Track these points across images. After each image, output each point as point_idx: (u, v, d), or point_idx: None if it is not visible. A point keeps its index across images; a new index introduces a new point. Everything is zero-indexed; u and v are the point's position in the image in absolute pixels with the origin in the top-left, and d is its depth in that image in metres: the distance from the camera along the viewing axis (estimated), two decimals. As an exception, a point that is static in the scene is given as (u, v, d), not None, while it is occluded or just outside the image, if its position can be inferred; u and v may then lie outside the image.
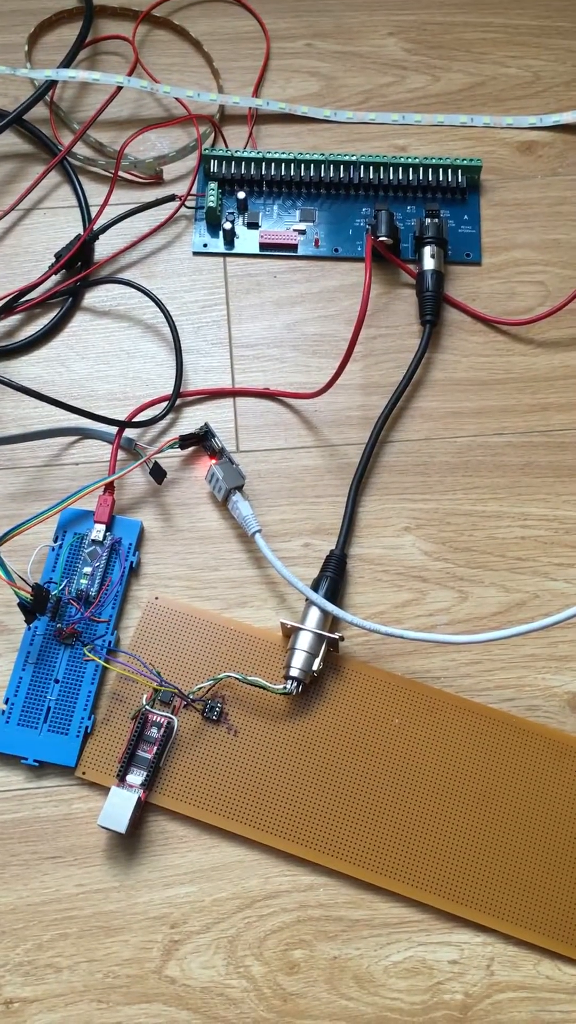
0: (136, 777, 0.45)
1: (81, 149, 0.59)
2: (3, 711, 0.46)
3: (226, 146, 0.59)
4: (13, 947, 0.43)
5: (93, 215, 0.56)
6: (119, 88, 0.58)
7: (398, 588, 0.49)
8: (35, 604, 0.46)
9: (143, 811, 0.45)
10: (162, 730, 0.45)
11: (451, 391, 0.54)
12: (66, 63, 0.60)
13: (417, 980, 0.43)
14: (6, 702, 0.46)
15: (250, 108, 0.60)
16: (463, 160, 0.57)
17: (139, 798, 0.44)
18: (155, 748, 0.45)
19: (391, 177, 0.57)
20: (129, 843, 0.45)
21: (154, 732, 0.45)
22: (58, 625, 0.47)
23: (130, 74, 0.61)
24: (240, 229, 0.57)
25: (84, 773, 0.45)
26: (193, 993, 0.42)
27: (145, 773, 0.45)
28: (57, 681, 0.47)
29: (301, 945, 0.43)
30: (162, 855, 0.45)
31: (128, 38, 0.62)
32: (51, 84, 0.59)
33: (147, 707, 0.46)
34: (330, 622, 0.47)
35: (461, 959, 0.43)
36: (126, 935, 0.43)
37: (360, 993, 0.43)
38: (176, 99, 0.60)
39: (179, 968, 0.43)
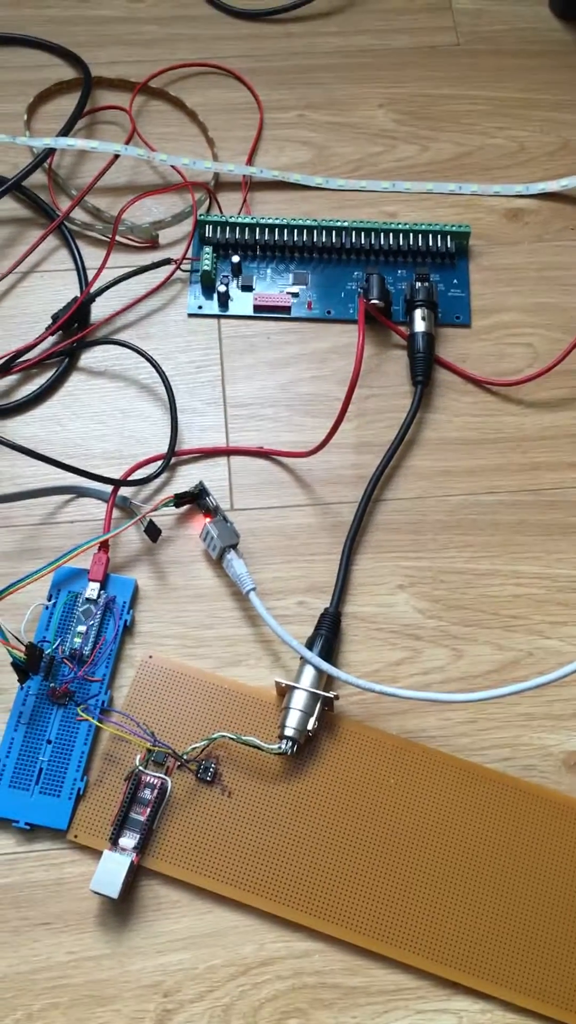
0: (129, 840, 0.44)
1: (79, 214, 0.60)
2: (-5, 772, 0.46)
3: (221, 212, 0.61)
4: (3, 1017, 0.42)
5: (90, 278, 0.57)
6: (116, 156, 0.60)
7: (392, 646, 0.50)
8: (28, 664, 0.45)
9: (136, 875, 0.44)
10: (155, 792, 0.45)
11: (443, 450, 0.54)
12: (65, 132, 0.61)
13: (415, 1050, 0.42)
14: (-2, 763, 0.46)
15: (244, 175, 0.62)
16: (452, 226, 0.59)
17: (132, 862, 0.43)
18: (148, 810, 0.45)
19: (382, 242, 0.59)
20: (122, 908, 0.44)
21: (147, 794, 0.45)
22: (51, 685, 0.47)
23: (127, 143, 0.62)
24: (234, 292, 0.58)
25: (76, 836, 0.45)
26: (186, 1065, 0.41)
27: (138, 836, 0.44)
28: (50, 742, 0.46)
29: (297, 1014, 0.42)
30: (155, 921, 0.44)
31: (125, 108, 0.63)
32: (50, 152, 0.60)
33: (140, 768, 0.45)
34: (325, 681, 0.47)
35: (460, 1028, 0.42)
36: (118, 1004, 0.42)
37: (357, 1064, 0.42)
38: (172, 167, 0.62)
39: (172, 1039, 0.42)
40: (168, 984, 0.43)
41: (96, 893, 0.43)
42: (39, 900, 0.44)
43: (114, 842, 0.44)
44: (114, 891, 0.43)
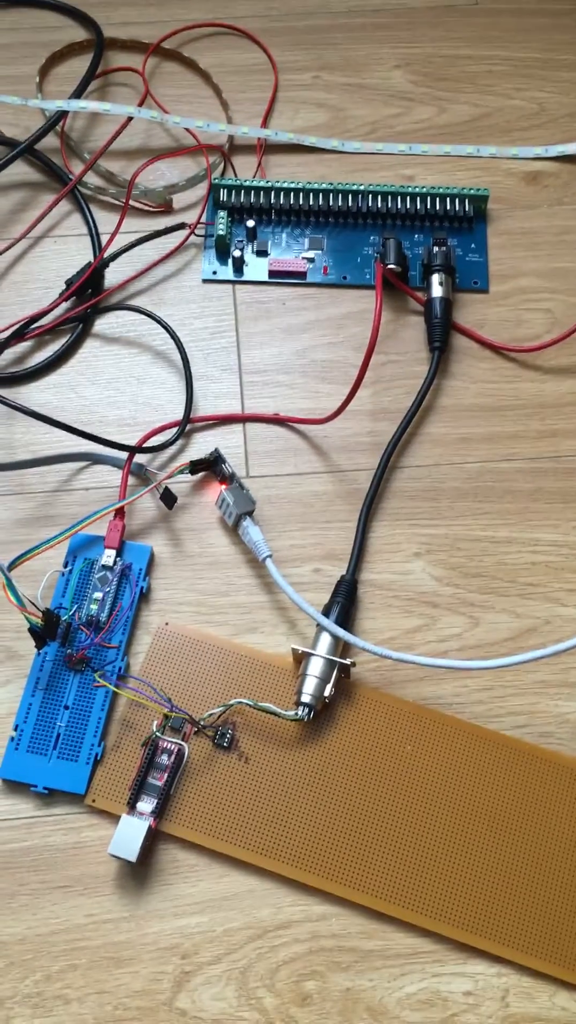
0: (147, 805, 0.44)
1: (91, 178, 0.60)
2: (12, 738, 0.46)
3: (235, 175, 0.60)
4: (22, 978, 0.43)
5: (103, 243, 0.57)
6: (129, 119, 0.59)
7: (409, 614, 0.49)
8: (45, 629, 0.45)
9: (153, 839, 0.45)
10: (173, 757, 0.45)
11: (460, 417, 0.54)
12: (77, 94, 0.60)
13: (431, 1012, 0.42)
14: (15, 729, 0.46)
15: (259, 138, 0.61)
16: (470, 190, 0.58)
17: (149, 826, 0.43)
18: (166, 775, 0.45)
19: (399, 206, 0.58)
20: (139, 872, 0.44)
21: (164, 759, 0.45)
22: (68, 651, 0.47)
23: (140, 105, 0.61)
24: (249, 257, 0.58)
25: (94, 801, 0.45)
26: (204, 1026, 0.42)
27: (156, 801, 0.44)
28: (67, 707, 0.46)
29: (314, 976, 0.43)
30: (173, 884, 0.44)
31: (138, 70, 0.63)
32: (62, 114, 0.59)
33: (157, 734, 0.45)
34: (341, 648, 0.47)
35: (476, 990, 0.43)
36: (136, 966, 0.43)
37: (374, 1025, 0.42)
38: (186, 129, 0.61)
39: (190, 1000, 0.42)
40: (186, 946, 0.43)
41: (114, 857, 0.43)
42: (58, 863, 0.44)
43: (132, 806, 0.44)
44: (132, 855, 0.43)
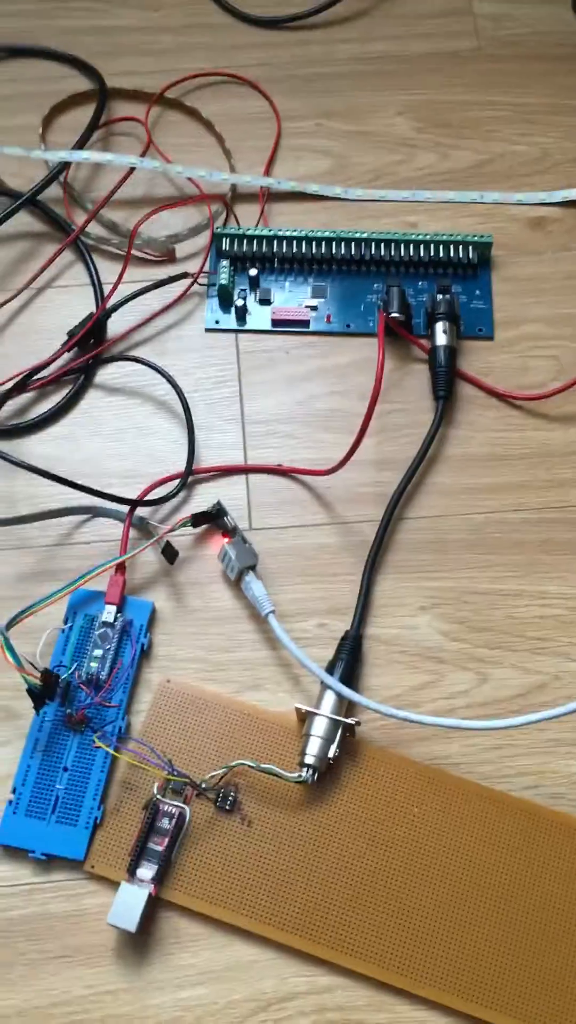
0: (147, 871, 0.43)
1: (94, 228, 0.60)
2: (11, 801, 0.45)
3: (238, 224, 0.60)
4: (18, 1054, 0.41)
5: (106, 293, 0.56)
6: (132, 169, 0.59)
7: (415, 670, 0.48)
8: (44, 690, 0.45)
9: (154, 906, 0.43)
10: (174, 821, 0.44)
11: (466, 467, 0.53)
12: (80, 144, 0.61)
13: None
14: (13, 792, 0.45)
15: (261, 187, 0.61)
16: (474, 236, 0.57)
17: (150, 894, 0.42)
18: (166, 840, 0.44)
19: (402, 253, 0.57)
20: (140, 941, 0.43)
21: (165, 823, 0.44)
22: (68, 711, 0.46)
23: (143, 155, 0.61)
24: (252, 306, 0.57)
25: (93, 867, 0.44)
26: None
27: (156, 866, 0.43)
28: (66, 769, 0.45)
29: (319, 1051, 0.41)
30: (174, 954, 0.43)
31: (141, 120, 0.63)
32: (65, 165, 0.59)
33: (158, 796, 0.44)
34: (346, 706, 0.46)
35: (488, 1067, 0.41)
36: (136, 1040, 0.42)
37: None
38: (188, 179, 0.61)
39: (192, 1077, 0.41)
40: (188, 1019, 0.42)
41: (113, 926, 0.42)
42: (56, 932, 0.43)
43: (132, 873, 0.43)
44: (132, 924, 0.42)
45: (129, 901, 0.42)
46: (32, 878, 0.44)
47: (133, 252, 0.58)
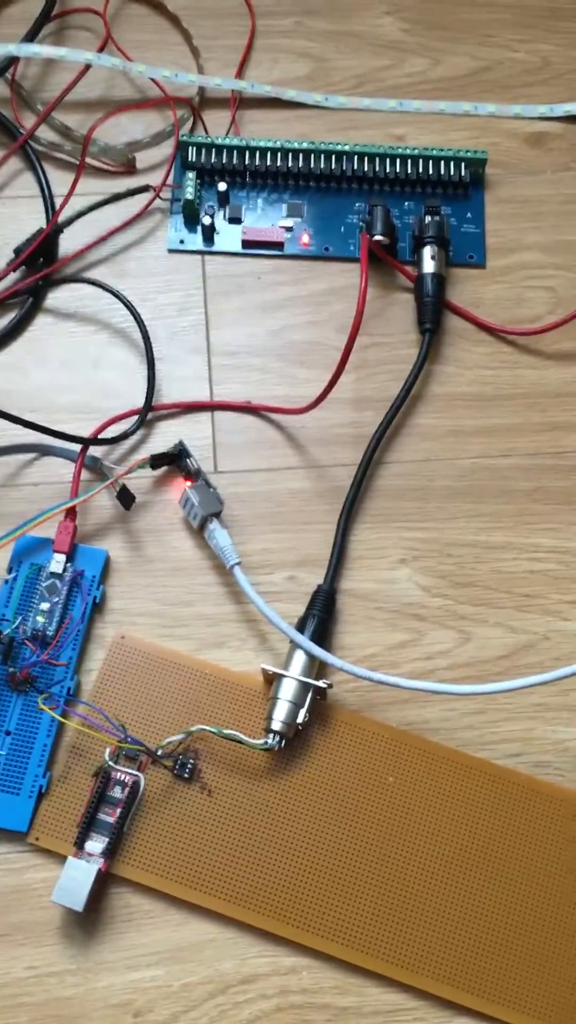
0: (96, 844, 0.40)
1: (45, 133, 0.54)
2: (-53, 767, 0.41)
3: (206, 132, 0.54)
4: (-47, 1041, 0.38)
5: (57, 207, 0.51)
6: (88, 66, 0.53)
7: (393, 628, 0.45)
8: (-17, 647, 0.40)
9: (104, 882, 0.40)
10: (126, 790, 0.40)
11: (452, 407, 0.49)
12: (29, 37, 0.54)
13: (412, 1077, 0.38)
14: (-50, 757, 0.41)
15: (233, 91, 0.55)
16: (467, 152, 0.52)
17: (99, 869, 0.39)
18: (118, 811, 0.40)
19: (387, 169, 0.52)
20: (87, 919, 0.40)
21: (118, 792, 0.40)
22: (11, 669, 0.42)
23: (100, 51, 0.55)
24: (221, 224, 0.52)
25: (38, 839, 0.40)
26: None
27: (107, 839, 0.40)
28: (8, 733, 0.41)
29: (282, 1037, 0.38)
30: (125, 933, 0.40)
31: (99, 11, 0.56)
32: (12, 60, 0.53)
33: (110, 763, 0.40)
34: (317, 667, 0.42)
35: (462, 1053, 0.38)
36: (84, 1025, 0.38)
37: None
38: (151, 79, 0.54)
39: (143, 1064, 0.38)
40: (140, 1003, 0.39)
41: (59, 905, 0.38)
42: (-4, 909, 0.40)
43: (79, 846, 0.39)
44: (78, 903, 0.38)
45: (76, 877, 0.39)
46: (-30, 851, 0.40)
47: (88, 161, 0.52)
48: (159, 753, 0.41)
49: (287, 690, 0.41)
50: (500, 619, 0.45)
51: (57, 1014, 0.38)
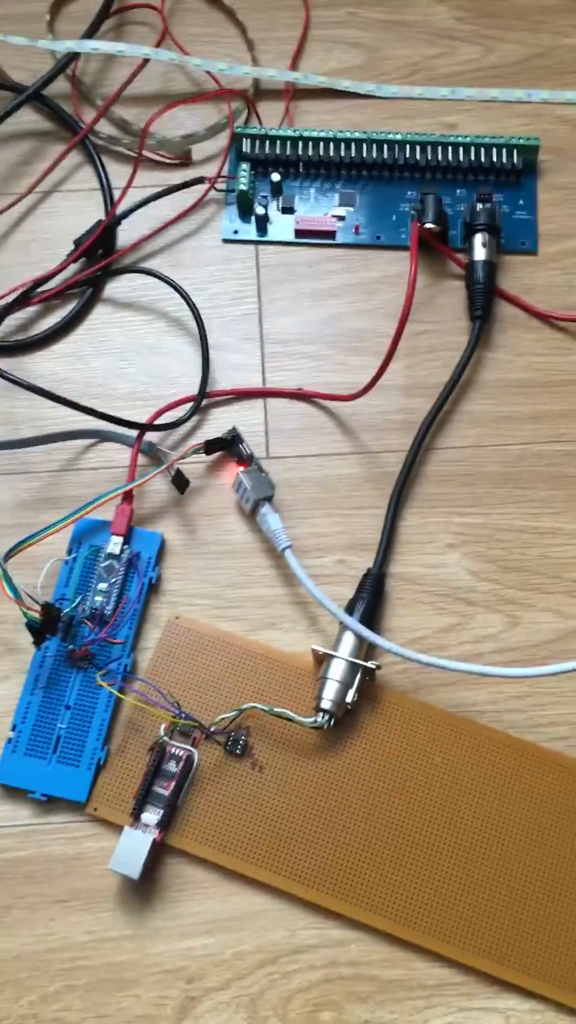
0: (152, 815, 0.41)
1: (104, 127, 0.55)
2: (10, 739, 0.43)
3: (260, 124, 0.55)
4: (16, 999, 0.40)
5: (116, 198, 0.52)
6: (146, 60, 0.54)
7: (441, 611, 0.45)
8: (44, 625, 0.42)
9: (159, 852, 0.41)
10: (181, 764, 0.42)
11: (503, 393, 0.49)
12: (89, 34, 0.55)
13: (458, 1050, 0.39)
14: (13, 729, 0.43)
15: (287, 82, 0.55)
16: (519, 139, 0.52)
17: (154, 840, 0.40)
18: (173, 784, 0.41)
19: (440, 158, 0.52)
20: (143, 887, 0.41)
21: (172, 766, 0.42)
22: (70, 647, 0.44)
23: (158, 45, 0.56)
24: (274, 214, 0.53)
25: (96, 810, 0.42)
26: (210, 1057, 0.39)
27: (162, 811, 0.41)
28: (68, 708, 0.43)
29: (330, 1006, 0.39)
30: (179, 902, 0.41)
31: (156, 6, 0.57)
32: (73, 56, 0.54)
33: (165, 739, 0.42)
34: (366, 649, 0.43)
35: (507, 1028, 0.39)
36: (138, 989, 0.40)
37: (394, 1062, 0.39)
38: (207, 72, 0.55)
39: (196, 1028, 0.39)
40: (192, 970, 0.40)
41: (115, 873, 0.40)
42: (56, 876, 0.41)
43: (136, 817, 0.41)
44: (134, 871, 0.40)
45: (132, 846, 0.40)
46: (32, 819, 0.42)
47: (146, 154, 0.53)
48: (212, 729, 0.42)
49: (336, 670, 0.42)
50: (548, 604, 0.45)
51: (114, 977, 0.40)
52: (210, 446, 0.47)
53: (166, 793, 0.41)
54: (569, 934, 0.40)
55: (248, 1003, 0.39)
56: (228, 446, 0.47)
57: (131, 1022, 0.39)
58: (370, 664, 0.42)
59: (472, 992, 0.40)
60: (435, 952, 0.40)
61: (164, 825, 0.41)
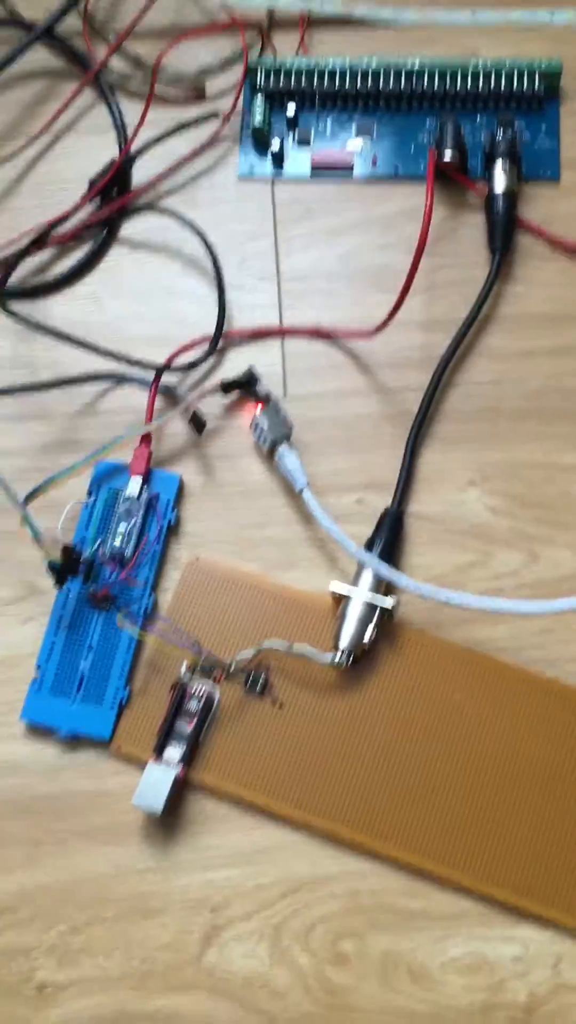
0: (174, 752, 0.42)
1: (118, 64, 0.54)
2: (35, 679, 0.43)
3: (275, 55, 0.53)
4: (46, 929, 0.41)
5: (130, 137, 0.51)
6: (157, -7, 0.53)
7: (461, 548, 0.45)
8: (65, 566, 0.42)
9: (182, 788, 0.42)
10: (202, 702, 0.42)
11: (524, 328, 0.48)
12: (99, -33, 0.54)
13: (476, 977, 0.39)
14: (38, 668, 0.43)
15: (301, 11, 0.54)
16: (541, 62, 0.50)
17: (177, 775, 0.41)
18: (195, 721, 0.42)
19: (459, 86, 0.51)
20: (167, 822, 0.42)
21: (193, 705, 0.42)
22: (91, 588, 0.44)
23: (169, -23, 0.55)
24: (290, 149, 0.52)
25: (120, 747, 0.42)
26: (234, 983, 0.40)
27: (184, 747, 0.41)
28: (91, 648, 0.44)
29: (351, 936, 0.40)
30: (201, 835, 0.42)
31: None
32: (83, -9, 0.53)
33: (186, 678, 0.42)
34: (384, 587, 0.43)
35: (525, 956, 0.39)
36: (165, 918, 0.41)
37: (414, 989, 0.39)
38: (220, 3, 0.54)
39: (220, 956, 0.40)
40: (216, 899, 0.41)
41: (139, 807, 0.41)
42: (82, 811, 0.42)
43: (159, 754, 0.41)
44: (157, 806, 0.40)
45: (155, 782, 0.41)
46: (58, 757, 0.43)
47: (159, 91, 0.52)
48: (232, 668, 0.42)
49: (355, 609, 0.42)
50: (569, 540, 0.45)
51: (141, 907, 0.41)
52: (227, 386, 0.46)
53: (188, 730, 0.42)
54: (589, 866, 0.40)
55: (271, 932, 0.40)
56: (245, 386, 0.47)
57: (158, 950, 0.40)
58: (389, 602, 0.42)
59: (491, 922, 0.40)
60: (454, 882, 0.40)
61: (186, 761, 0.41)
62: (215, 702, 0.42)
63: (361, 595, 0.42)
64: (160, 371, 0.47)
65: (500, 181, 0.48)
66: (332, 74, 0.51)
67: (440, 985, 0.39)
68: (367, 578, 0.43)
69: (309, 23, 0.54)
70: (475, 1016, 0.39)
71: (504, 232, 0.48)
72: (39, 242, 0.50)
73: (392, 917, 0.40)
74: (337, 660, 0.42)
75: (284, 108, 0.52)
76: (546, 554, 0.44)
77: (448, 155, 0.49)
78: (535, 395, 0.47)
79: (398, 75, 0.51)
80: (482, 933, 0.40)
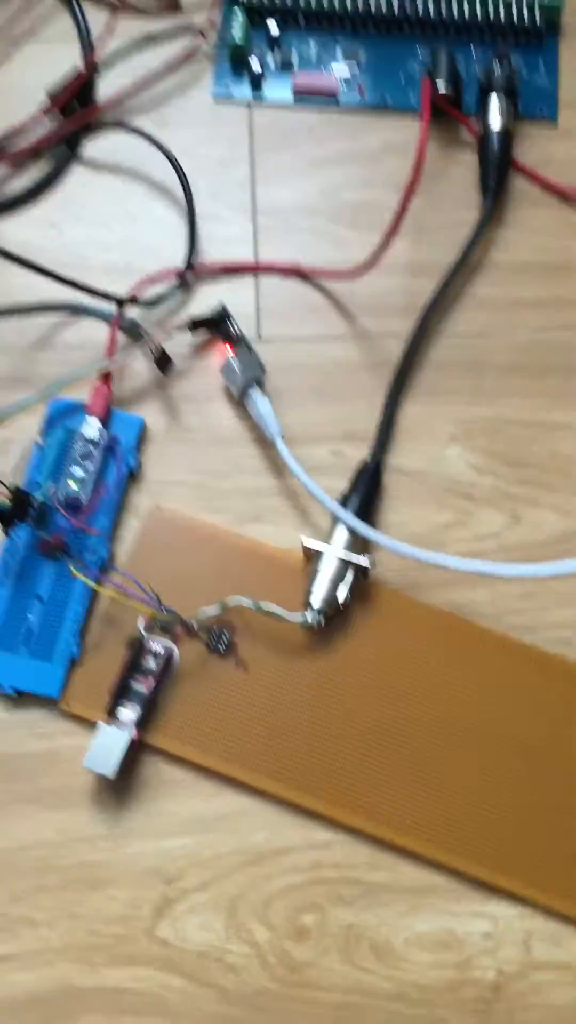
0: (129, 712, 0.39)
1: (84, -34, 0.50)
2: (-22, 631, 0.40)
3: (257, -33, 0.50)
4: (-16, 898, 0.38)
5: (95, 48, 0.47)
6: None
7: (441, 506, 0.42)
8: (14, 510, 0.39)
9: (137, 751, 0.39)
10: (160, 661, 0.39)
11: (514, 276, 0.45)
12: None
13: (444, 954, 0.38)
14: (-19, 620, 0.40)
15: None
16: (542, -6, 0.48)
17: (131, 737, 0.38)
18: (152, 681, 0.39)
19: (454, 12, 0.48)
20: (119, 786, 0.39)
21: (151, 663, 0.39)
22: (43, 535, 0.41)
23: None
24: (270, 72, 0.48)
25: (69, 705, 0.39)
26: (188, 957, 0.37)
27: (139, 708, 0.39)
28: (40, 599, 0.40)
29: (312, 909, 0.38)
30: (156, 800, 0.39)
31: None
32: None
33: (144, 634, 0.39)
34: (360, 544, 0.40)
35: (495, 932, 0.38)
36: (113, 889, 0.38)
37: (378, 965, 0.37)
38: None
39: (173, 929, 0.38)
40: (170, 869, 0.38)
41: (90, 770, 0.38)
42: (27, 772, 0.39)
43: (112, 714, 0.39)
44: (109, 769, 0.38)
45: (108, 744, 0.38)
46: (2, 714, 0.40)
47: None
48: (194, 625, 0.40)
49: (328, 566, 0.39)
50: (554, 502, 0.43)
51: (88, 876, 0.38)
52: (196, 324, 0.43)
53: (144, 690, 0.39)
54: (561, 840, 0.38)
55: (228, 904, 0.38)
56: (215, 325, 0.43)
57: (106, 923, 0.38)
58: (364, 560, 0.39)
59: (460, 897, 0.38)
60: (422, 855, 0.38)
61: (142, 723, 0.39)
62: (174, 661, 0.39)
63: (335, 552, 0.39)
64: (123, 303, 0.43)
65: (496, 117, 0.45)
66: (319, -8, 0.48)
67: (405, 962, 0.38)
68: (341, 534, 0.40)
69: None
70: (442, 993, 0.37)
71: (498, 173, 0.45)
72: (-7, 157, 0.46)
73: (356, 890, 0.38)
74: (307, 620, 0.39)
75: (266, 26, 0.48)
76: (529, 515, 0.42)
77: (442, 86, 0.46)
78: (523, 348, 0.45)
79: (389, -2, 0.48)
80: (450, 908, 0.38)
